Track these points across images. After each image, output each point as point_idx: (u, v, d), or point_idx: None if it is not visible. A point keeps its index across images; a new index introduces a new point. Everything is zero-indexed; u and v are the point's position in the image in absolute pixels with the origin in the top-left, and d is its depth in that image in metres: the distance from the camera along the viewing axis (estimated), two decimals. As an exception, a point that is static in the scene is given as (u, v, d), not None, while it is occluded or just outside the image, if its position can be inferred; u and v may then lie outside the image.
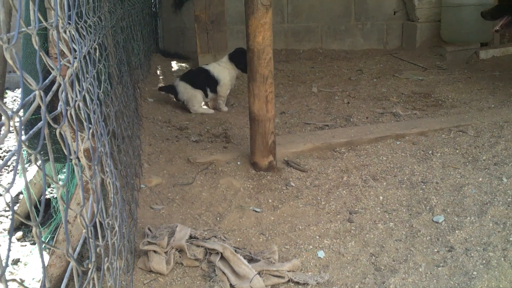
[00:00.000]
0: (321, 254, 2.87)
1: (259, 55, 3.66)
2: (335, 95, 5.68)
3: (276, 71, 6.48)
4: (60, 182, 1.07)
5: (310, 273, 2.69)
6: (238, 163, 3.91)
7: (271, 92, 3.74)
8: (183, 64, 7.03)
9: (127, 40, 4.26)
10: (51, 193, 3.65)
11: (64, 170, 3.29)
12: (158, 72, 6.55)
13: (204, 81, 5.12)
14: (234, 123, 4.83)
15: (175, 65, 7.01)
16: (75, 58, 1.51)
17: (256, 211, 3.33)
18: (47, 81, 1.13)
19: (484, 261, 2.71)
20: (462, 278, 2.56)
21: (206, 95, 5.16)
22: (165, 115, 4.99)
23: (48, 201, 3.51)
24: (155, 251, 2.78)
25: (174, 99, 5.22)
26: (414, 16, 7.76)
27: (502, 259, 2.72)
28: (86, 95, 1.69)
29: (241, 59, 4.78)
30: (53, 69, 1.11)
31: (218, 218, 3.25)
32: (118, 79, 3.30)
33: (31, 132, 1.08)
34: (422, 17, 7.71)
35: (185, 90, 5.09)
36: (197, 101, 5.12)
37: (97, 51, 2.20)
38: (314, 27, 7.96)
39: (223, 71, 5.16)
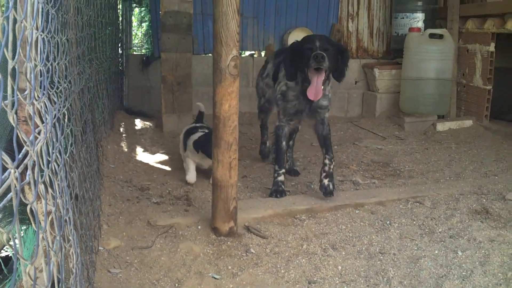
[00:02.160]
0: (279, 324, 2.85)
1: (225, 123, 3.73)
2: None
3: (240, 134, 6.51)
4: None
5: None
6: (199, 227, 3.90)
7: (235, 158, 3.79)
8: (147, 123, 7.06)
9: (93, 99, 4.28)
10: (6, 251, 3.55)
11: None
12: (121, 129, 6.56)
13: None
14: (196, 185, 4.83)
15: (139, 123, 7.03)
16: (46, 127, 1.53)
17: (215, 278, 3.31)
18: (20, 156, 1.15)
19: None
20: None
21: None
22: (127, 174, 4.96)
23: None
24: (110, 318, 2.73)
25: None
26: (374, 86, 8.04)
27: None
28: (54, 164, 1.69)
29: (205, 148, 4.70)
30: (27, 145, 1.13)
31: (176, 285, 3.21)
32: (82, 140, 3.30)
33: (0, 205, 1.08)
34: (382, 88, 7.99)
35: None
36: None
37: (66, 116, 2.21)
38: (278, 92, 8.13)
39: None
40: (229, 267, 3.45)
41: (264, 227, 4.02)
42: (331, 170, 4.50)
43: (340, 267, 3.46)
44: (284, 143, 4.67)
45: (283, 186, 4.58)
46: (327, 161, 4.51)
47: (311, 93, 4.36)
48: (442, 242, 3.79)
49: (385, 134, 7.00)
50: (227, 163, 3.76)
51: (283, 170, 4.63)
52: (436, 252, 3.63)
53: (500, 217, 4.12)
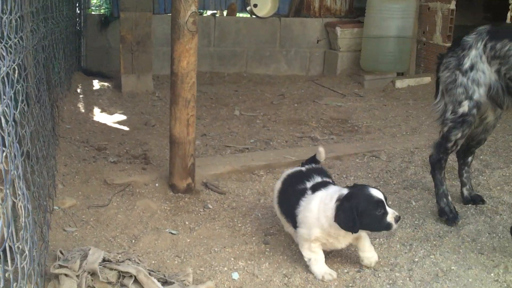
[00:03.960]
0: (235, 275, 2.89)
1: (183, 79, 3.70)
2: (256, 118, 5.78)
3: (200, 93, 6.52)
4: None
5: (223, 295, 2.71)
6: (157, 185, 3.90)
7: (192, 115, 3.77)
8: (106, 84, 6.94)
9: (48, 58, 4.18)
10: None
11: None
12: (79, 90, 6.44)
13: None
14: (155, 144, 4.81)
15: (97, 84, 6.91)
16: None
17: (172, 233, 3.33)
18: None
19: (390, 281, 2.83)
20: (368, 298, 2.66)
21: None
22: (83, 134, 4.90)
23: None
24: (66, 275, 2.71)
25: None
26: (336, 45, 8.04)
27: (408, 279, 2.85)
28: (2, 117, 1.66)
29: None
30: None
31: (133, 241, 3.22)
32: (36, 98, 3.23)
33: None
34: (344, 46, 8.01)
35: None
36: None
37: (16, 71, 2.16)
38: (240, 52, 8.09)
39: None
40: (186, 223, 3.47)
41: (222, 183, 4.03)
42: None
43: (296, 220, 3.51)
44: None
45: None
46: None
47: None
48: (396, 193, 3.87)
49: (345, 92, 7.05)
50: (184, 120, 3.74)
51: None
52: (390, 202, 3.70)
53: (453, 169, 4.22)
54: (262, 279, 2.87)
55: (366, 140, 5.13)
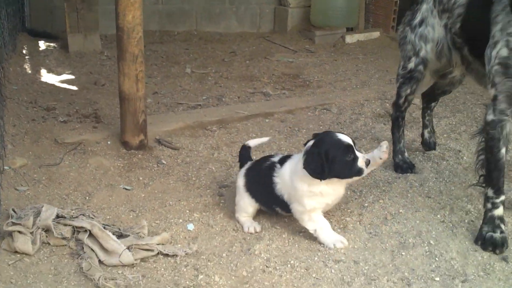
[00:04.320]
0: (190, 227, 2.94)
1: (129, 34, 3.65)
2: (208, 75, 5.75)
3: (150, 52, 6.44)
4: None
5: (179, 245, 2.76)
6: (109, 142, 3.87)
7: (141, 71, 3.74)
8: (52, 44, 6.74)
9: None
10: None
11: None
12: (24, 51, 6.25)
13: None
14: (106, 103, 4.75)
15: (43, 45, 6.71)
16: None
17: (126, 189, 3.33)
18: None
19: (342, 225, 2.94)
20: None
21: None
22: (31, 95, 4.78)
23: None
24: (20, 232, 2.70)
25: None
26: (286, 1, 8.01)
27: (358, 223, 2.96)
28: None
29: None
30: None
31: (87, 198, 3.22)
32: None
33: None
34: (293, 2, 7.97)
35: None
36: None
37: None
38: (189, 9, 7.95)
39: None
40: (140, 178, 3.48)
41: (175, 139, 4.04)
42: None
43: (249, 172, 3.56)
44: (503, 151, 2.81)
45: (502, 227, 2.82)
46: None
47: None
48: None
49: (296, 48, 7.07)
50: (133, 75, 3.71)
51: (503, 198, 2.85)
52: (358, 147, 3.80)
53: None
54: (217, 229, 2.93)
55: (317, 94, 5.20)
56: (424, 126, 3.94)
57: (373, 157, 2.76)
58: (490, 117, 2.78)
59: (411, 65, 3.47)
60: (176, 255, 2.66)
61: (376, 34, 7.53)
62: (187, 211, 3.10)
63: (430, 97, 3.88)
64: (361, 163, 2.68)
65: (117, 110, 4.45)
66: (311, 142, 2.72)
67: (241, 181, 2.98)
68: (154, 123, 4.15)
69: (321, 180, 2.66)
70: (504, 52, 2.67)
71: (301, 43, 7.33)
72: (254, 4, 8.13)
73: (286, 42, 7.33)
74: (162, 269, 2.58)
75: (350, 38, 7.42)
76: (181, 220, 3.00)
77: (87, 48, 6.45)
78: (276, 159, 2.93)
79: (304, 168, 2.65)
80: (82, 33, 6.46)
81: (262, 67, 6.16)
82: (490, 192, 2.84)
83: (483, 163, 2.95)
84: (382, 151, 2.75)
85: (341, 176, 2.71)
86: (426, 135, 3.93)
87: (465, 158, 3.81)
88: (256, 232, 2.89)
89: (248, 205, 2.96)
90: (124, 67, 3.70)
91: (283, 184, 2.81)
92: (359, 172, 2.69)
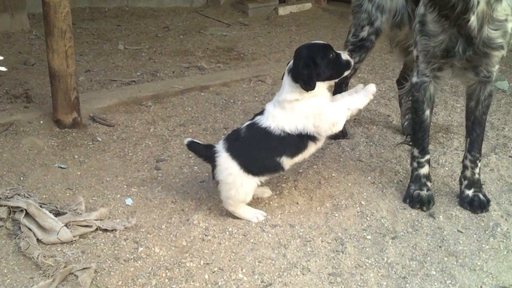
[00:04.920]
0: (129, 201, 2.95)
1: (56, 9, 3.57)
2: (141, 51, 5.69)
3: (81, 29, 6.30)
4: None
5: (118, 220, 2.77)
6: (41, 122, 3.79)
7: (70, 47, 3.67)
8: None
9: None
10: None
11: None
12: None
13: None
14: (36, 83, 4.63)
15: (-34, 26, 6.43)
16: None
17: (62, 168, 3.30)
18: None
19: (278, 192, 3.02)
20: (257, 208, 2.83)
21: None
22: (-45, 78, 4.61)
23: None
24: (-48, 215, 2.65)
25: None
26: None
27: (293, 188, 3.06)
28: None
29: None
30: None
31: (21, 178, 3.16)
32: None
33: None
34: (228, -24, 7.95)
35: None
36: None
37: None
38: (120, -15, 7.79)
39: None
40: (76, 156, 3.44)
41: (110, 116, 4.00)
42: (476, 176, 2.97)
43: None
44: (427, 112, 2.93)
45: (428, 184, 2.98)
46: (467, 162, 2.98)
47: None
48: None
49: (230, 21, 7.07)
50: (62, 51, 3.64)
51: (428, 157, 2.99)
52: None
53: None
54: (156, 202, 2.96)
55: (252, 66, 5.24)
56: (404, 114, 3.78)
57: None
58: (414, 79, 2.90)
59: (363, 33, 3.46)
60: (115, 230, 2.67)
61: (308, 5, 7.63)
62: (125, 186, 3.10)
63: (404, 80, 3.78)
64: (345, 56, 2.69)
65: (48, 89, 4.34)
66: (291, 61, 2.67)
67: (233, 168, 2.67)
68: (88, 100, 4.10)
69: (313, 89, 2.59)
70: (422, 9, 2.73)
71: (235, 17, 7.34)
72: (186, -22, 8.04)
73: (220, 16, 7.31)
74: (102, 244, 2.59)
75: (283, 10, 7.49)
76: (118, 196, 3.00)
77: (15, 27, 6.23)
78: (249, 122, 2.79)
79: (295, 82, 2.61)
80: (8, 12, 6.23)
81: (196, 42, 6.14)
82: (415, 152, 2.98)
83: (409, 123, 3.05)
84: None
85: (332, 75, 2.69)
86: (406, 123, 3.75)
87: (394, 122, 3.97)
88: (264, 216, 2.77)
89: (249, 189, 2.71)
90: (53, 43, 3.62)
91: (283, 120, 2.69)
92: (348, 65, 2.71)
